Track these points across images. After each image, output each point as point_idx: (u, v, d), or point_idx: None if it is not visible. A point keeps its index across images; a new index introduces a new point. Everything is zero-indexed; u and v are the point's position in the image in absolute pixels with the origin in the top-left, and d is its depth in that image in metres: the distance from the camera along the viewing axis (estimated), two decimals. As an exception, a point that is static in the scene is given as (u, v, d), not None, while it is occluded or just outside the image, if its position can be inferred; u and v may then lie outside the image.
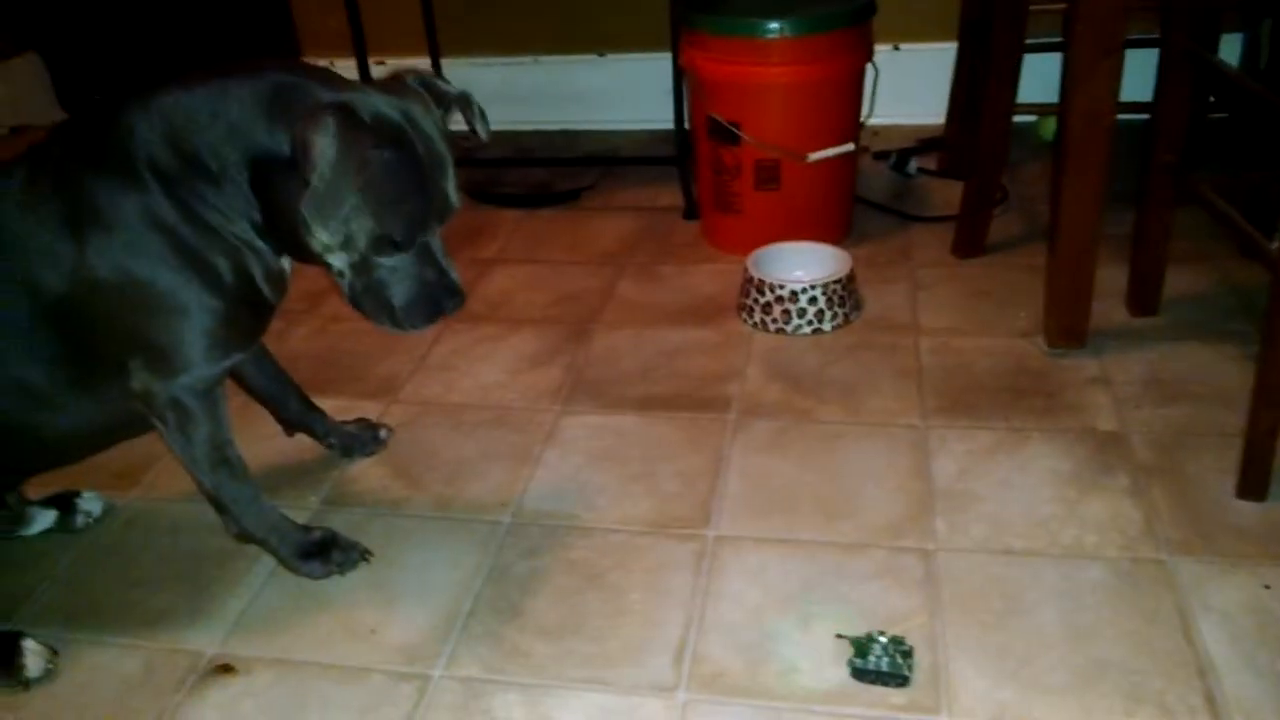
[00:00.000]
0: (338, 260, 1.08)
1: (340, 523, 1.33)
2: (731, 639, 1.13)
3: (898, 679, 1.05)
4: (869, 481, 1.35)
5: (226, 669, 1.14)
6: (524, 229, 2.20)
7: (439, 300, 1.11)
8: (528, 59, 2.69)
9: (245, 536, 1.23)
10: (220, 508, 1.21)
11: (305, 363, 1.71)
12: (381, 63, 2.64)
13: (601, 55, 2.65)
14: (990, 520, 1.26)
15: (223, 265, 1.09)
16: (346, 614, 1.20)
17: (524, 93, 2.71)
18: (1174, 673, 1.04)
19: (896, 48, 2.46)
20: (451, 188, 1.08)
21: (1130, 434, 1.40)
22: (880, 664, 1.06)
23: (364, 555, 1.27)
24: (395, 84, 1.08)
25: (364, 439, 1.49)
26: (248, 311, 1.14)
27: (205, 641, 1.18)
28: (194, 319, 1.09)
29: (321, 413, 1.47)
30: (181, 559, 1.30)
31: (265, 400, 1.43)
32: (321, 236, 1.02)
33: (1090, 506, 1.27)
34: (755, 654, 1.10)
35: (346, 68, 2.39)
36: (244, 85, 1.03)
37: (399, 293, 1.09)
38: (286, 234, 1.07)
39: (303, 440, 1.48)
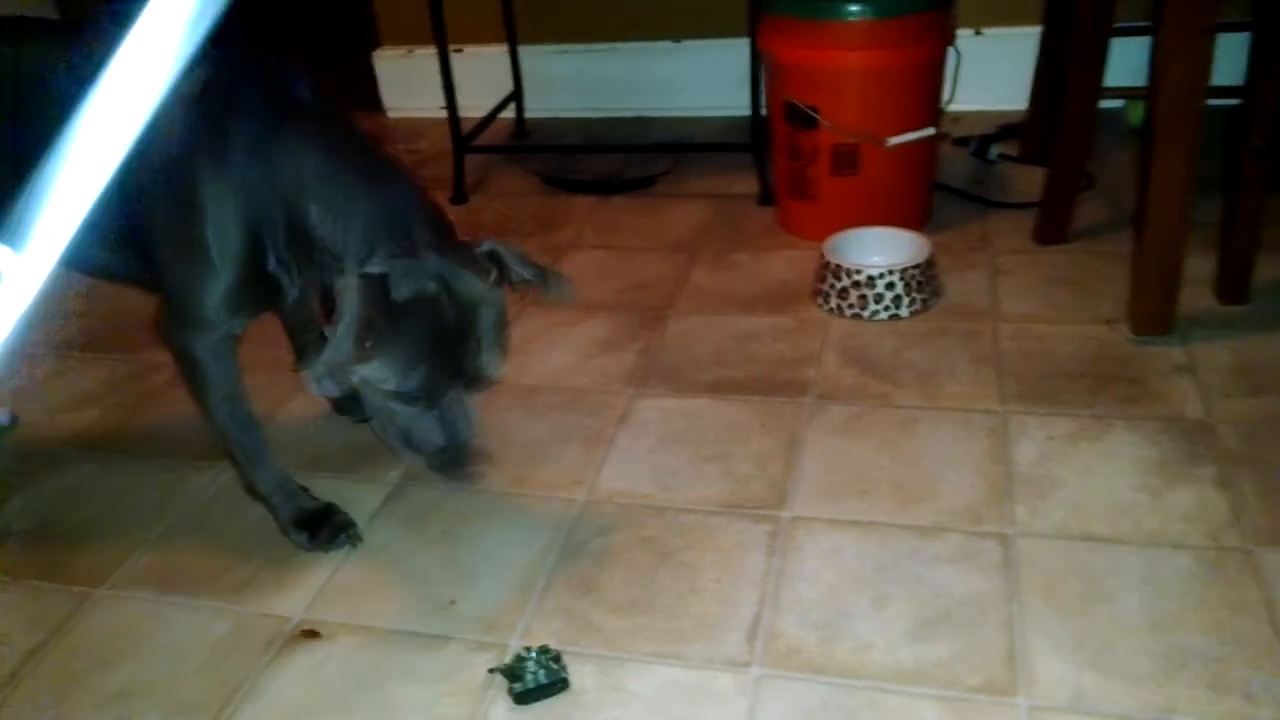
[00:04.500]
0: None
1: (418, 498, 1.36)
2: (805, 617, 1.13)
3: (559, 684, 1.06)
4: (946, 466, 1.34)
5: (311, 634, 1.17)
6: (597, 215, 2.21)
7: (443, 459, 1.14)
8: (604, 46, 2.70)
9: (252, 491, 1.31)
10: (231, 459, 1.29)
11: (385, 343, 1.74)
12: (459, 50, 2.68)
13: (677, 42, 2.65)
14: (1072, 506, 1.24)
15: (260, 266, 1.16)
16: (425, 585, 1.23)
17: (599, 80, 2.73)
18: (1260, 663, 1.02)
19: (978, 32, 2.42)
20: (488, 361, 1.12)
21: (1217, 423, 1.36)
22: (538, 678, 1.06)
23: (352, 539, 1.29)
24: (463, 250, 1.11)
25: (356, 407, 1.50)
26: (260, 294, 1.20)
27: (291, 608, 1.21)
28: (217, 279, 1.15)
29: None
30: (268, 529, 1.33)
31: (289, 331, 1.52)
32: (325, 385, 1.07)
33: (1175, 495, 1.25)
34: (829, 632, 1.10)
35: (426, 56, 2.44)
36: (371, 196, 1.09)
37: (409, 438, 1.13)
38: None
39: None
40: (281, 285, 1.19)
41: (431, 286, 1.06)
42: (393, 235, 1.07)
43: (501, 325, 1.13)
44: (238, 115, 1.13)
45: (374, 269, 1.04)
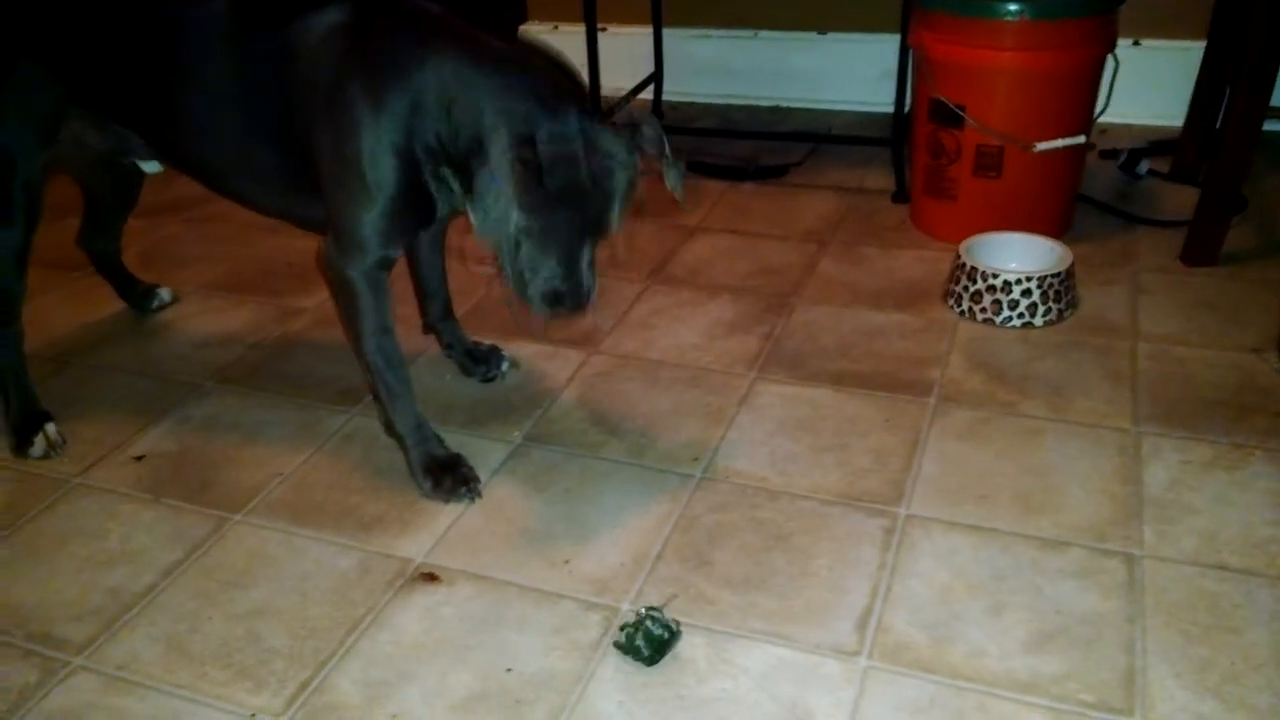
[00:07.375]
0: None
1: (540, 459, 1.40)
2: (917, 616, 1.12)
3: (674, 637, 1.09)
4: (1072, 480, 1.31)
5: (432, 578, 1.21)
6: (727, 200, 2.22)
7: (560, 301, 1.22)
8: (747, 33, 2.70)
9: (389, 429, 1.36)
10: (374, 394, 1.35)
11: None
12: (604, 29, 2.71)
13: (822, 34, 2.63)
14: (1203, 534, 1.21)
15: (414, 185, 1.22)
16: (543, 542, 1.26)
17: (738, 66, 2.73)
18: (1398, 714, 0.98)
19: (1137, 43, 2.35)
20: (614, 217, 1.20)
21: (1366, 464, 1.31)
22: (655, 636, 1.08)
23: (472, 493, 1.33)
24: (606, 118, 1.20)
25: (476, 368, 1.59)
26: (413, 215, 1.27)
27: (414, 550, 1.26)
28: (374, 203, 1.21)
29: (456, 323, 1.60)
30: (396, 474, 1.38)
31: (419, 290, 1.57)
32: (478, 230, 1.15)
33: (1315, 533, 1.20)
34: (942, 633, 1.10)
35: (573, 33, 2.48)
36: (511, 82, 1.16)
37: (532, 281, 1.21)
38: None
39: (512, 380, 1.57)
40: (435, 202, 1.25)
41: (574, 143, 1.14)
42: (537, 99, 1.15)
43: (631, 187, 1.20)
44: (380, 39, 1.20)
45: (523, 127, 1.12)
